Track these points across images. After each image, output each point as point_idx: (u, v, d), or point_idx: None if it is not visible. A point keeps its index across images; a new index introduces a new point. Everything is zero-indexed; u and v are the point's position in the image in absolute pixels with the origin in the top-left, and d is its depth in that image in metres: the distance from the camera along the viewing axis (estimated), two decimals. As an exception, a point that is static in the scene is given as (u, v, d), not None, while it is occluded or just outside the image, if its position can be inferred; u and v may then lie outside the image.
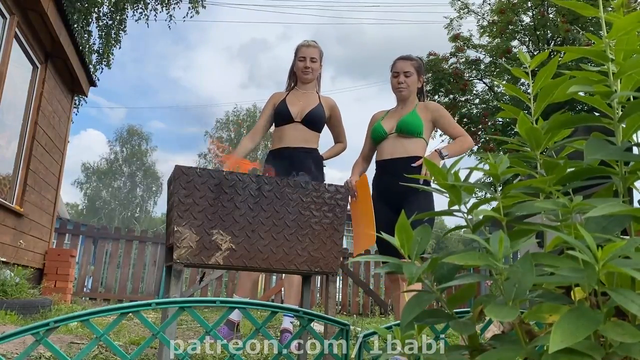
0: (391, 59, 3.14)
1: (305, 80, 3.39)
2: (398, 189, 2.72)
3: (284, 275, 3.40)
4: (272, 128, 3.48)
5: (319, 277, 7.69)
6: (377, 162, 3.02)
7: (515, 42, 13.63)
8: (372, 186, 2.96)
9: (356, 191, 2.89)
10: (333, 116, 3.46)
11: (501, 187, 0.91)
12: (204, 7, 13.80)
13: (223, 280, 8.16)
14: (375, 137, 3.01)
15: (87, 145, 67.59)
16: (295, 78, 3.46)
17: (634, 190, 0.89)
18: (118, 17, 12.82)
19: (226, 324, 3.11)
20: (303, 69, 3.36)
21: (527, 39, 13.61)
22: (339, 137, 3.54)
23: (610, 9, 0.91)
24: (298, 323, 2.09)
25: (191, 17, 13.66)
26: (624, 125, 0.85)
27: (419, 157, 2.85)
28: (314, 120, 3.30)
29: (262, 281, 8.80)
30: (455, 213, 0.95)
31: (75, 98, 8.36)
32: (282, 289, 8.36)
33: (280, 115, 3.30)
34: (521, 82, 11.28)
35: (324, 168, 3.39)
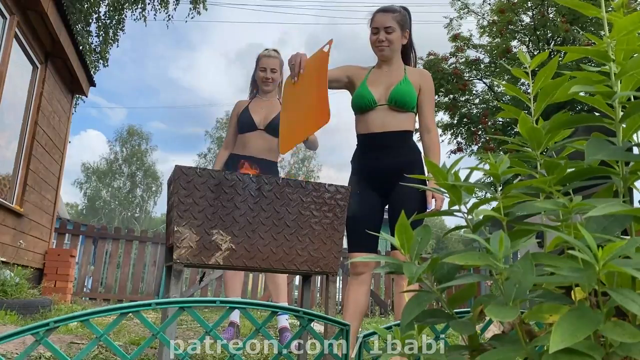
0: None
1: (266, 91, 3.49)
2: (389, 167, 2.42)
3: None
4: None
5: (319, 277, 7.69)
6: (362, 135, 2.52)
7: (515, 42, 13.64)
8: (354, 164, 2.55)
9: (303, 67, 2.34)
10: None
11: (501, 187, 0.91)
12: (205, 8, 13.81)
13: (223, 280, 8.16)
14: (361, 105, 2.49)
15: (87, 145, 67.71)
16: (257, 86, 3.55)
17: (634, 190, 0.89)
18: (117, 17, 12.83)
19: (231, 326, 3.16)
20: (263, 79, 3.45)
21: (527, 39, 13.62)
22: None
23: (610, 8, 0.91)
24: (298, 323, 2.09)
25: (192, 17, 13.69)
26: (624, 126, 0.85)
27: (410, 132, 2.52)
28: (277, 127, 3.31)
29: (262, 281, 8.80)
30: (455, 213, 0.95)
31: (75, 98, 8.35)
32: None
33: (244, 124, 3.39)
34: (521, 82, 11.29)
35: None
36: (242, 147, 3.40)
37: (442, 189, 0.94)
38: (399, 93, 2.45)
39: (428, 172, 2.59)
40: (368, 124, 2.48)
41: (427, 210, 2.43)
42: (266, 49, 3.56)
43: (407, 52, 2.64)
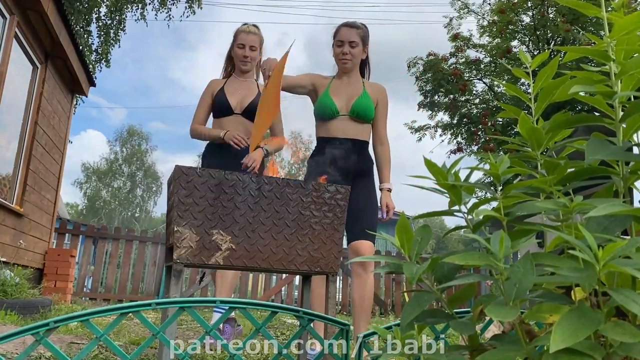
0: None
1: (243, 70, 3.18)
2: (345, 170, 2.55)
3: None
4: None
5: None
6: (323, 137, 2.70)
7: (515, 42, 13.64)
8: (312, 163, 2.66)
9: (271, 70, 2.41)
10: None
11: (501, 187, 0.91)
12: (200, 7, 13.79)
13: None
14: (324, 114, 2.68)
15: (87, 145, 67.71)
16: (233, 64, 3.23)
17: (634, 190, 0.89)
18: (117, 17, 12.84)
19: (227, 322, 3.09)
20: (242, 57, 3.13)
21: (527, 39, 13.61)
22: (274, 130, 3.24)
23: (610, 8, 0.91)
24: (298, 323, 2.09)
25: (187, 17, 13.66)
26: (625, 126, 0.85)
27: (367, 143, 2.73)
28: (255, 112, 2.98)
29: (262, 281, 8.81)
30: (455, 213, 0.95)
31: (76, 98, 8.35)
32: (282, 288, 8.36)
33: (219, 107, 3.09)
34: (521, 82, 11.29)
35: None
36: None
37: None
38: (360, 106, 2.66)
39: (382, 182, 2.87)
40: (329, 130, 2.68)
41: (380, 217, 2.67)
42: (245, 24, 3.21)
43: (362, 67, 2.83)
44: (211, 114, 3.21)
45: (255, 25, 3.21)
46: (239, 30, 3.17)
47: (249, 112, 3.06)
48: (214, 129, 3.12)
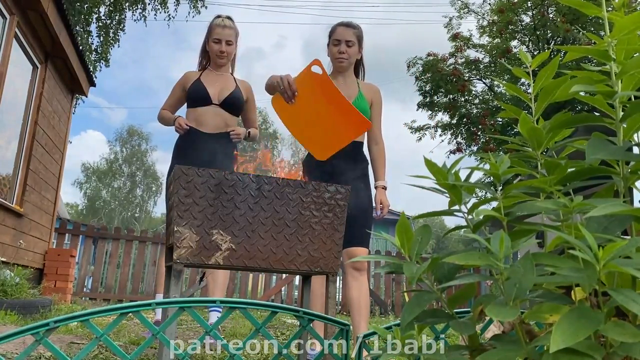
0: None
1: (220, 64, 3.20)
2: (342, 173, 2.55)
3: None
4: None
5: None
6: None
7: (515, 42, 13.64)
8: (308, 167, 2.69)
9: (296, 89, 2.35)
10: (249, 100, 3.30)
11: (502, 187, 0.91)
12: (205, 7, 13.80)
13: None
14: None
15: (87, 145, 67.65)
16: (208, 57, 3.24)
17: (635, 190, 0.89)
18: (117, 17, 12.85)
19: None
20: (218, 53, 3.14)
21: (527, 39, 13.62)
22: (252, 123, 3.36)
23: (610, 8, 0.91)
24: (298, 323, 2.08)
25: (193, 16, 13.67)
26: (625, 125, 0.85)
27: (362, 144, 2.72)
28: (234, 104, 3.14)
29: (262, 281, 8.81)
30: (455, 213, 0.95)
31: (76, 98, 8.35)
32: (282, 288, 8.36)
33: (197, 96, 3.10)
34: (521, 82, 11.29)
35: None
36: (195, 124, 3.09)
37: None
38: (357, 108, 2.62)
39: (377, 180, 2.84)
40: None
41: (375, 215, 2.66)
42: (219, 16, 3.18)
43: (357, 67, 2.82)
44: (185, 104, 3.25)
45: (229, 18, 3.20)
46: (214, 24, 3.16)
47: (227, 104, 3.11)
48: (169, 113, 3.22)
